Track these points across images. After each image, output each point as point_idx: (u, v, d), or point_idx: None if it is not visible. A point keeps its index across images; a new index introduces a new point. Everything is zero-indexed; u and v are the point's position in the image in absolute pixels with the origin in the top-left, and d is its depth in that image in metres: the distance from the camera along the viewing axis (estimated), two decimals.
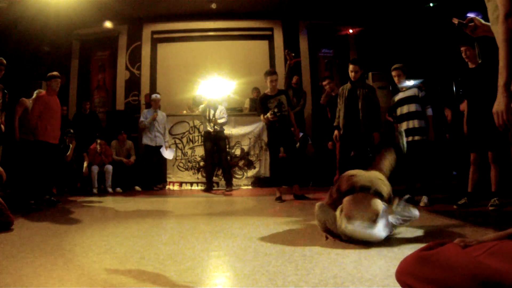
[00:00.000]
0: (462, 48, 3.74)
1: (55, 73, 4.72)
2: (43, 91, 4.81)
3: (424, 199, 3.95)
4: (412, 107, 4.10)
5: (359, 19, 7.97)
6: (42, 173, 4.49)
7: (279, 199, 4.58)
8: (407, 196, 4.03)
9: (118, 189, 6.06)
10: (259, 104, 4.83)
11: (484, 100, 3.57)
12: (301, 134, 5.83)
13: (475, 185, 3.73)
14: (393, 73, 4.24)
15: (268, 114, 4.59)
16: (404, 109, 4.16)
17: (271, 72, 4.87)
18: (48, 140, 4.56)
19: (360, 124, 4.29)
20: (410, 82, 4.28)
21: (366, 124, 4.28)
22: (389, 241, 2.47)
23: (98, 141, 6.01)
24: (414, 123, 4.08)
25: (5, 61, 4.22)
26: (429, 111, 4.09)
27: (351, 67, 4.39)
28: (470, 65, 3.75)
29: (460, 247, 1.22)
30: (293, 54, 5.81)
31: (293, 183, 4.87)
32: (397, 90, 4.32)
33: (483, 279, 1.04)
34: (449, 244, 1.23)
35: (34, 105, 4.61)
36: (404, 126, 4.17)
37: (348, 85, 4.45)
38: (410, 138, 4.12)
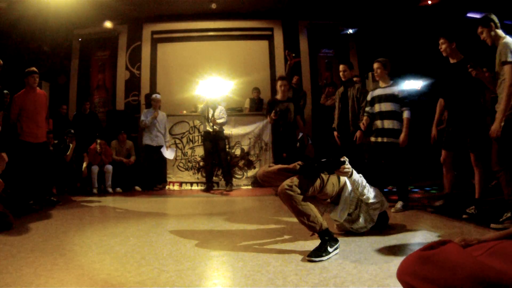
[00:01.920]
0: (441, 41, 3.45)
1: (31, 68, 4.51)
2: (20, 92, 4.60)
3: (398, 205, 3.66)
4: (388, 106, 3.78)
5: (359, 19, 7.97)
6: (33, 173, 4.40)
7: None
8: (399, 205, 3.70)
9: (118, 189, 6.05)
10: (267, 107, 5.01)
11: (464, 97, 3.35)
12: (300, 134, 5.83)
13: (452, 185, 3.54)
14: (374, 65, 3.91)
15: (272, 113, 4.74)
16: (380, 107, 3.84)
17: (281, 77, 5.01)
18: (28, 139, 4.42)
19: (350, 124, 4.39)
20: (391, 82, 3.91)
21: (355, 124, 4.34)
22: (389, 241, 2.48)
23: (98, 141, 6.00)
24: (388, 124, 3.77)
25: (1, 62, 4.14)
26: (406, 114, 3.72)
27: (340, 67, 4.47)
28: (451, 60, 3.45)
29: (461, 247, 1.22)
30: (294, 55, 5.83)
31: None
32: (378, 86, 4.01)
33: (484, 279, 1.04)
34: (450, 244, 1.23)
35: (11, 108, 4.44)
36: (378, 125, 3.87)
37: (341, 88, 4.60)
38: (379, 139, 3.83)
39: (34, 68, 4.53)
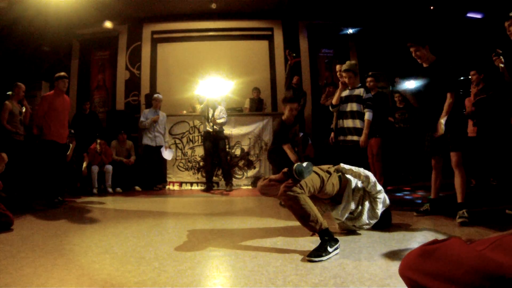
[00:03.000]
0: (411, 49, 3.40)
1: (62, 73, 4.80)
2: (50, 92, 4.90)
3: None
4: (354, 106, 3.89)
5: (359, 19, 7.97)
6: (49, 172, 4.55)
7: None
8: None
9: (118, 189, 6.05)
10: (280, 133, 4.52)
11: (439, 98, 3.26)
12: (301, 134, 5.81)
13: (438, 191, 3.46)
14: (343, 74, 3.99)
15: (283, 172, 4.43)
16: (347, 107, 3.95)
17: (291, 99, 4.55)
18: (53, 139, 4.62)
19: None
20: (359, 84, 4.02)
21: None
22: (389, 241, 2.48)
23: (98, 141, 6.01)
24: (354, 123, 3.87)
25: None
26: (368, 115, 3.81)
27: (337, 67, 4.44)
28: (424, 64, 3.43)
29: (464, 242, 1.22)
30: (294, 54, 5.81)
31: None
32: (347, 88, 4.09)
33: (487, 272, 1.04)
34: (453, 239, 1.23)
35: (39, 106, 4.73)
36: (344, 124, 3.96)
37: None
38: (348, 138, 3.90)
39: (64, 73, 4.82)
